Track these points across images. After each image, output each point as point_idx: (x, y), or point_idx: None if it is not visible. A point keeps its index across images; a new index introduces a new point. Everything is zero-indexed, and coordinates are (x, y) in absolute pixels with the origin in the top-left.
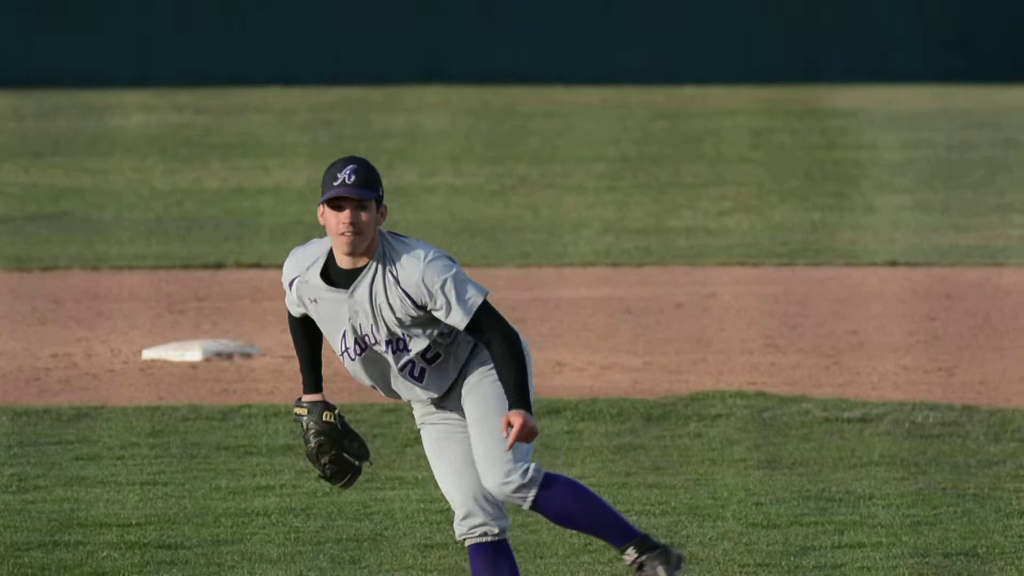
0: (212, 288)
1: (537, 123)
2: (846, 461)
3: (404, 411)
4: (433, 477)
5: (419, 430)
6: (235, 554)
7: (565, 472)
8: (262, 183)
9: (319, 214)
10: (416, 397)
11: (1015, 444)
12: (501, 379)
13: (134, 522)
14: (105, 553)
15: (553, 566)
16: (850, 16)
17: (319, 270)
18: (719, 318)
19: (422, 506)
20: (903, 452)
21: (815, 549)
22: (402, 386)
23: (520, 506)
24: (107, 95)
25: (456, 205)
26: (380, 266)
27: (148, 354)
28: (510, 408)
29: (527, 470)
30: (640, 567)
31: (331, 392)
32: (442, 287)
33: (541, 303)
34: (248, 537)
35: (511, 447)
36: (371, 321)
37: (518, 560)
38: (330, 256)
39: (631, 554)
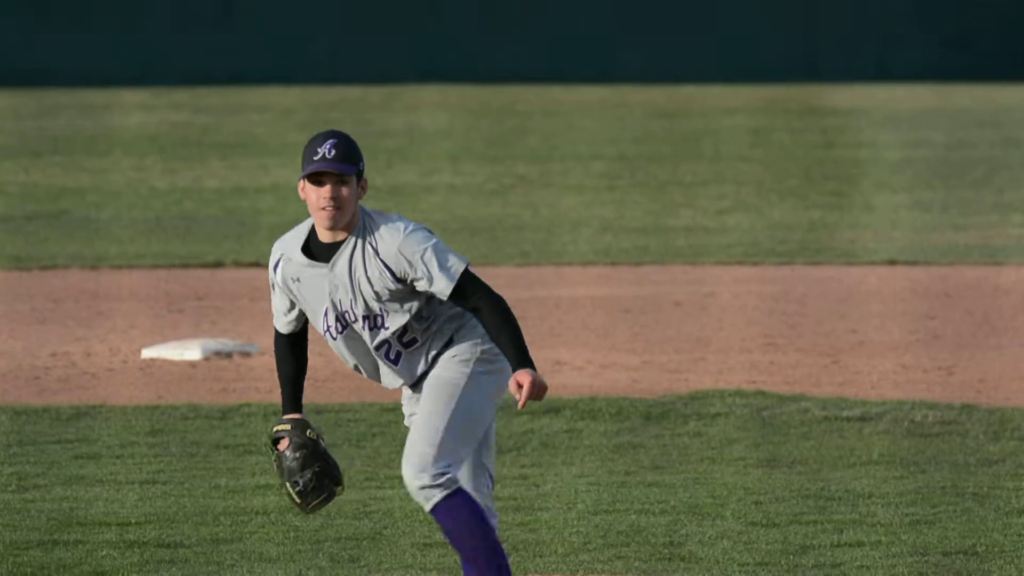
0: (211, 287)
1: (536, 122)
2: (845, 460)
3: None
4: None
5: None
6: (234, 553)
7: (564, 471)
8: (261, 182)
9: (299, 189)
10: (390, 383)
11: (1014, 443)
12: (497, 343)
13: (133, 521)
14: (104, 552)
15: (553, 565)
16: (849, 15)
17: (300, 245)
18: (718, 317)
19: None
20: (902, 451)
21: (814, 548)
22: (380, 368)
23: (423, 507)
24: (106, 94)
25: (455, 204)
26: (360, 239)
27: (147, 353)
28: (515, 369)
29: (442, 475)
30: None
31: (331, 392)
32: (422, 256)
33: (540, 302)
34: (247, 536)
35: (523, 406)
36: (350, 296)
37: (518, 559)
38: (312, 232)
39: None
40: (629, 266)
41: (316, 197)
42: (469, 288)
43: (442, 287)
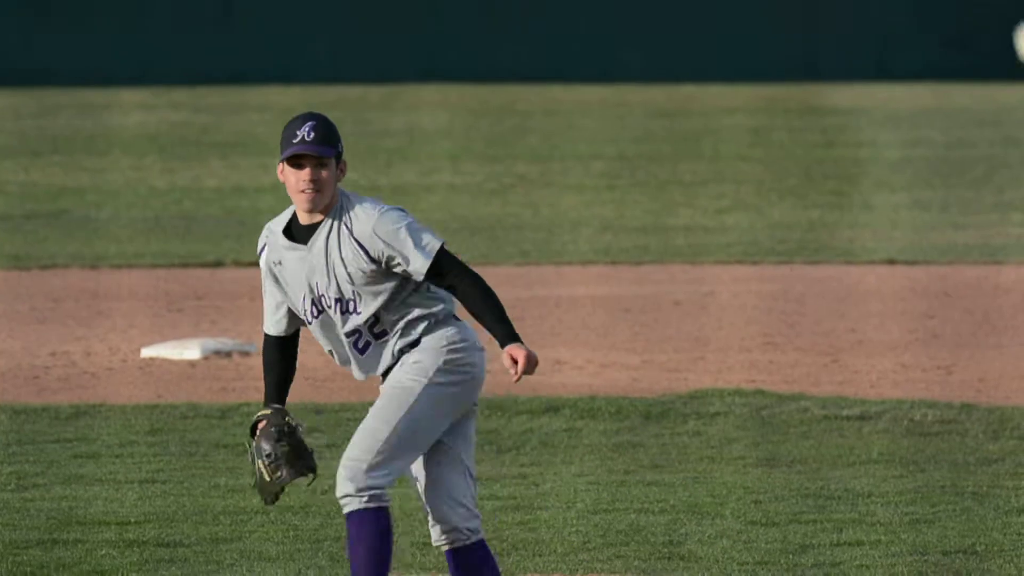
0: (211, 286)
1: (536, 122)
2: (845, 459)
3: None
4: None
5: None
6: (234, 552)
7: (564, 470)
8: (261, 182)
9: (279, 171)
10: (357, 374)
11: (1014, 442)
12: (481, 321)
13: (133, 520)
14: (104, 551)
15: (552, 564)
16: (849, 15)
17: (283, 227)
18: (718, 316)
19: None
20: (902, 450)
21: (814, 547)
22: (348, 356)
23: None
24: (106, 94)
25: (455, 204)
26: (336, 220)
27: (147, 352)
28: (504, 345)
29: (370, 488)
30: None
31: (330, 392)
32: (397, 235)
33: (540, 301)
34: (247, 535)
35: (519, 380)
36: (325, 279)
37: (517, 558)
38: (294, 215)
39: None
40: (629, 265)
41: (295, 180)
42: (445, 266)
43: (418, 266)
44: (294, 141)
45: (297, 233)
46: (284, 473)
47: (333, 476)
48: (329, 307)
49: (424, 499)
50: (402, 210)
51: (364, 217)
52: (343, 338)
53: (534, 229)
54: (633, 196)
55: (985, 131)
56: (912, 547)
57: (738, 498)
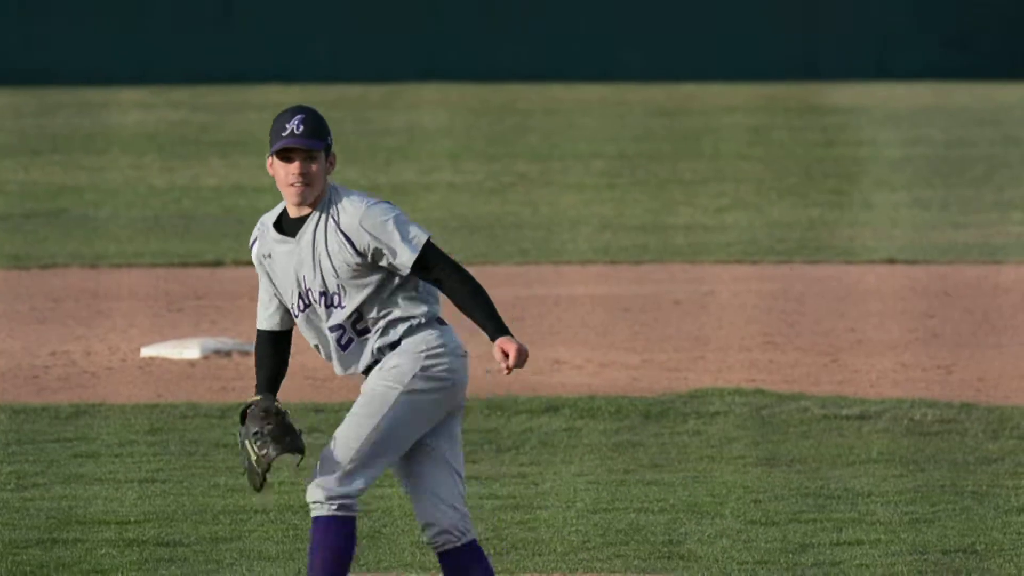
0: (211, 286)
1: (536, 120)
2: (844, 458)
3: None
4: None
5: None
6: (234, 551)
7: (563, 469)
8: (260, 181)
9: (268, 165)
10: (338, 369)
11: (1013, 441)
12: (470, 316)
13: (132, 519)
14: (104, 550)
15: (552, 563)
16: (849, 14)
17: (274, 221)
18: (717, 315)
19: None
20: (902, 449)
21: (814, 546)
22: (331, 352)
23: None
24: (105, 92)
25: (455, 202)
26: (324, 213)
27: (146, 352)
28: (494, 338)
29: (341, 497)
30: None
31: (329, 391)
32: (384, 228)
33: (539, 300)
34: (247, 534)
35: (510, 372)
36: (311, 272)
37: (517, 557)
38: (285, 208)
39: None
40: (628, 264)
41: (285, 173)
42: (432, 259)
43: (405, 259)
44: (283, 134)
45: (287, 226)
46: (271, 450)
47: None
48: (315, 301)
49: (411, 501)
50: (390, 203)
51: (351, 210)
52: (327, 333)
53: (534, 228)
54: (633, 195)
55: (985, 130)
56: (912, 546)
57: (738, 497)
